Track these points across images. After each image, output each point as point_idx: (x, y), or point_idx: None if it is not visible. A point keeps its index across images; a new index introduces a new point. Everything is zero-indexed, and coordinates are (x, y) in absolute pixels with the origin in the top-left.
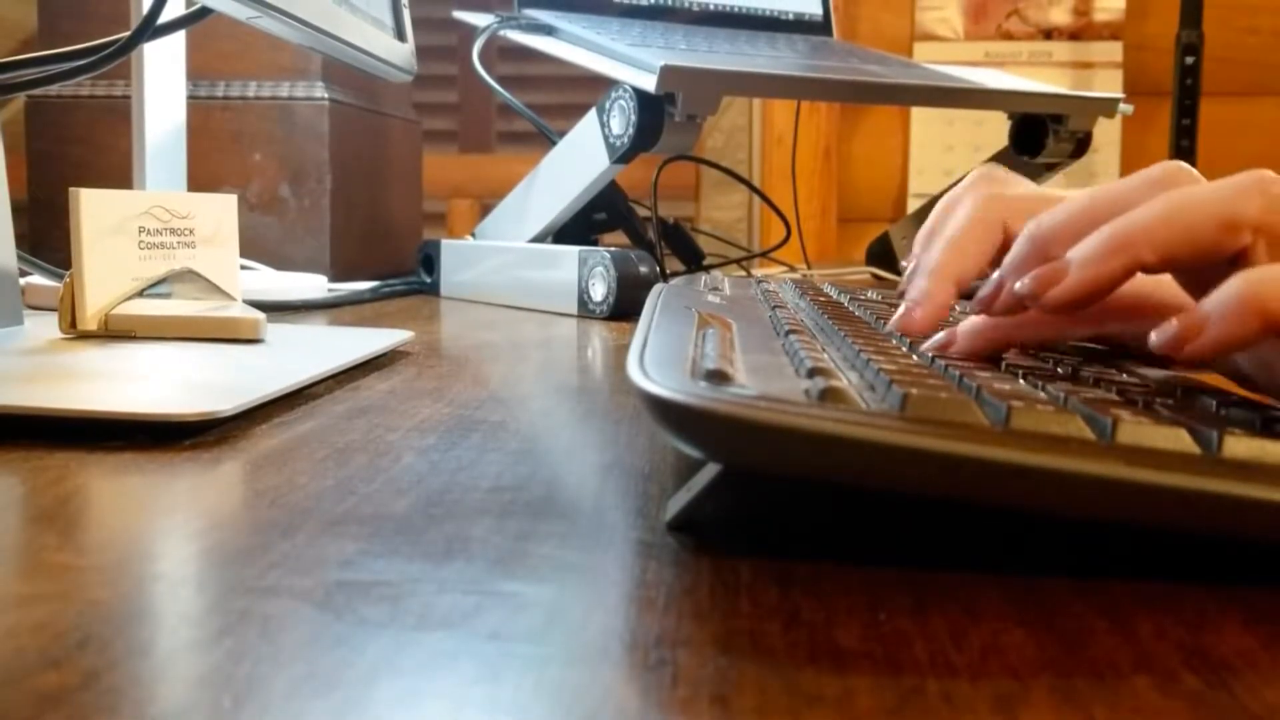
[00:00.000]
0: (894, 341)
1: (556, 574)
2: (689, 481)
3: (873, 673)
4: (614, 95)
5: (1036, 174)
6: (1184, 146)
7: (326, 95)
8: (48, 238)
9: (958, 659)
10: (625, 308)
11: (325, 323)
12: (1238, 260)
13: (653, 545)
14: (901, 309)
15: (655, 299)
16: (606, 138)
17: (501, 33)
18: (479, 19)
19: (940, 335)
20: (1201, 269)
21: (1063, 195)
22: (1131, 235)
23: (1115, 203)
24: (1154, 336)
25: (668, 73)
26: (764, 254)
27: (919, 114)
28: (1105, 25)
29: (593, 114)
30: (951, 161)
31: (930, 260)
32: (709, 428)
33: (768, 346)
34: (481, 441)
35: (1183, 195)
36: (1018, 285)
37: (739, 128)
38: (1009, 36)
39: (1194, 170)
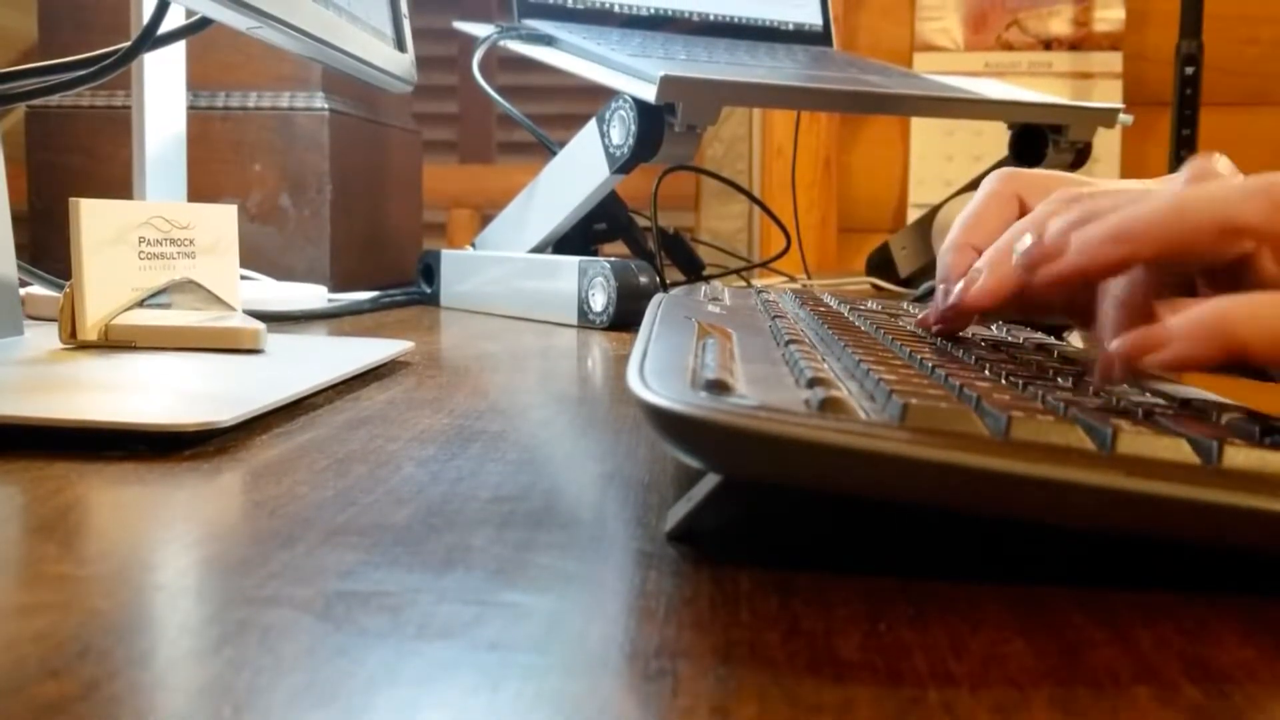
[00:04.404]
0: (894, 350)
1: (556, 584)
2: (689, 491)
3: (873, 683)
4: (614, 105)
5: None
6: (1184, 157)
7: (327, 105)
8: (48, 248)
9: (958, 669)
10: (625, 318)
11: (325, 333)
12: (1243, 266)
13: (653, 555)
14: (937, 293)
15: (655, 309)
16: (606, 148)
17: (502, 43)
18: (479, 29)
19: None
20: (1215, 270)
21: (1081, 179)
22: (1132, 230)
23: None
24: (1117, 343)
25: (667, 83)
26: (764, 264)
27: (919, 124)
28: (1105, 36)
29: (593, 124)
30: (952, 172)
31: (950, 236)
32: (709, 438)
33: (768, 356)
34: (481, 452)
35: (1189, 195)
36: (1014, 259)
37: (739, 138)
38: (1009, 47)
39: (1226, 162)
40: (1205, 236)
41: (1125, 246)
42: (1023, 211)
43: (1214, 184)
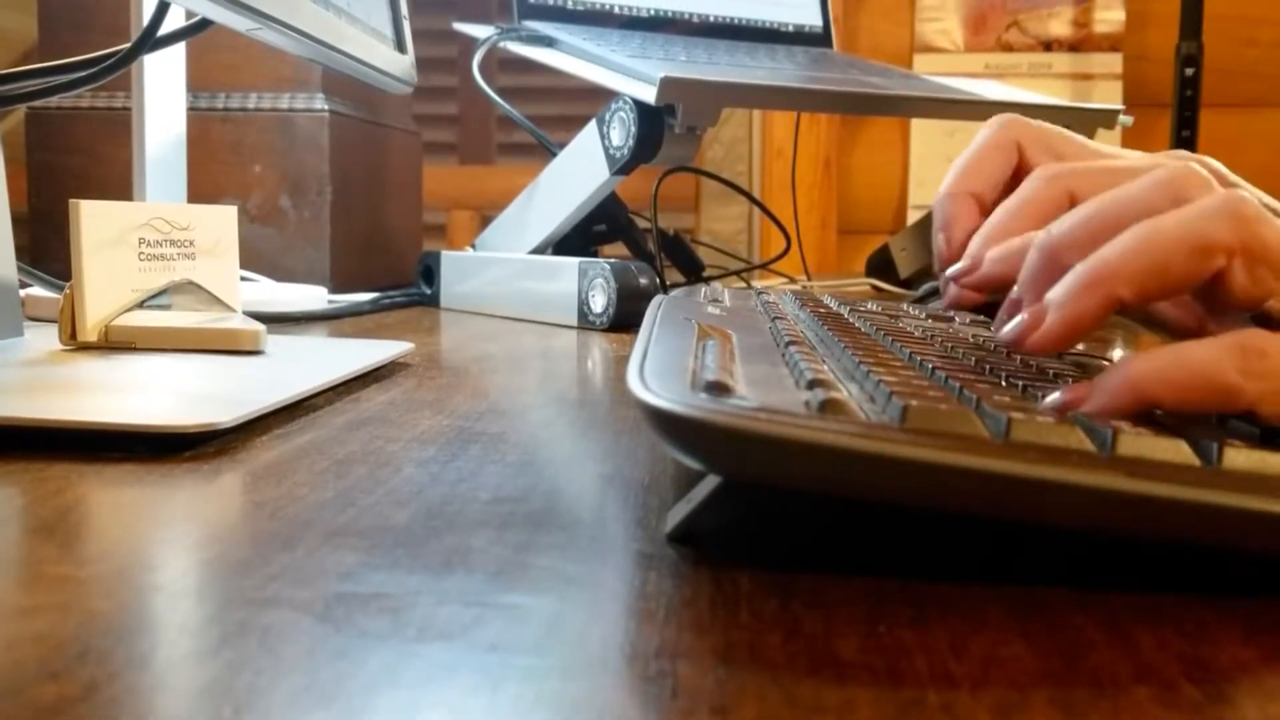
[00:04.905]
0: (894, 352)
1: (556, 585)
2: (689, 493)
3: (873, 684)
4: (614, 107)
5: None
6: None
7: (327, 107)
8: (48, 249)
9: (958, 670)
10: (625, 319)
11: (325, 334)
12: (1216, 282)
13: (653, 557)
14: (955, 267)
15: (655, 310)
16: (606, 149)
17: (502, 44)
18: (479, 31)
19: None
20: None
21: (1079, 138)
22: (1104, 273)
23: (1124, 211)
24: (1049, 399)
25: (667, 84)
26: (764, 265)
27: (919, 126)
28: (1105, 37)
29: (593, 125)
30: None
31: (947, 182)
32: (709, 439)
33: (768, 358)
34: (481, 453)
35: (1153, 227)
36: (1001, 333)
37: (739, 139)
38: (1009, 48)
39: (1202, 170)
40: (1179, 262)
41: (1102, 290)
42: (1021, 160)
43: (1178, 210)
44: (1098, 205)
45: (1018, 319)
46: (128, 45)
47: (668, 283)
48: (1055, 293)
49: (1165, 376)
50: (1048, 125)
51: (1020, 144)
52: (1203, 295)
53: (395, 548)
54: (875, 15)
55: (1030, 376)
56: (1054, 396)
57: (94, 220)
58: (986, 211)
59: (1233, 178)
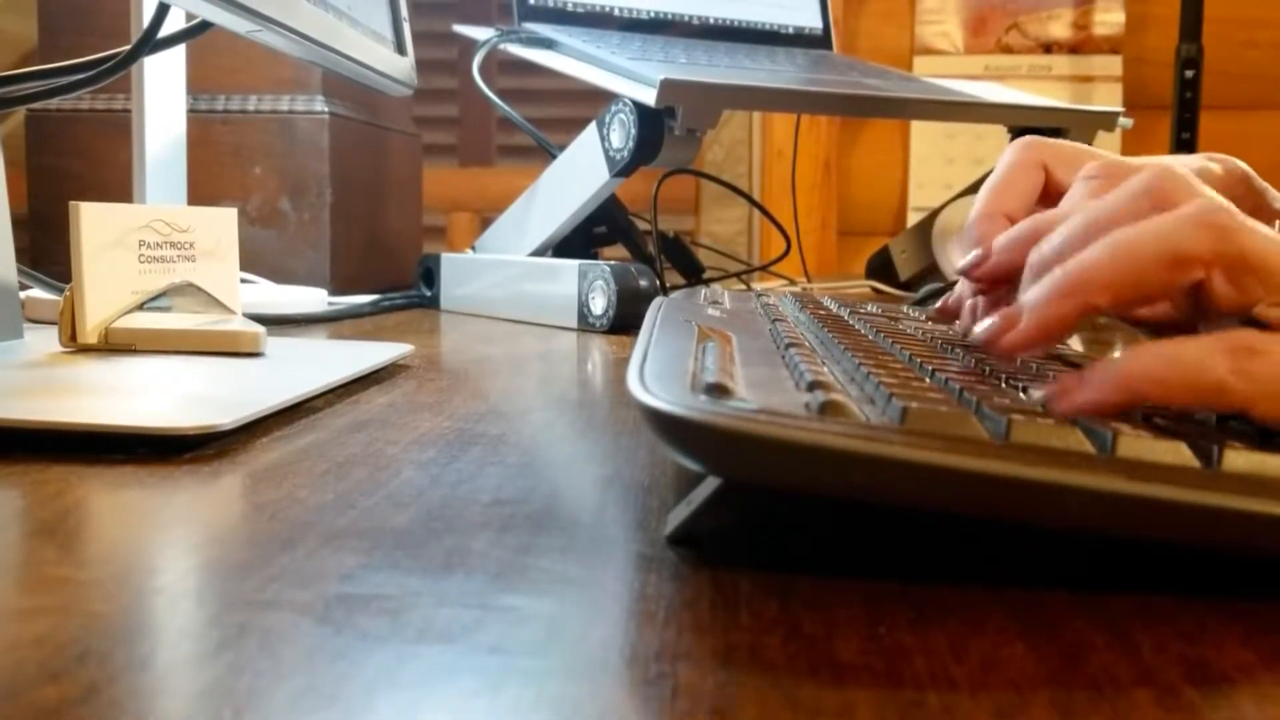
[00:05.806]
0: (894, 354)
1: (556, 587)
2: (689, 495)
3: (873, 686)
4: (614, 109)
5: None
6: None
7: (327, 109)
8: (48, 251)
9: (958, 672)
10: (625, 321)
11: (325, 336)
12: (1198, 292)
13: (653, 559)
14: (966, 259)
15: (655, 312)
16: (606, 151)
17: (502, 46)
18: (479, 33)
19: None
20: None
21: (1105, 154)
22: (1080, 281)
23: (1107, 222)
24: (1041, 393)
25: (667, 86)
26: (764, 267)
27: (919, 128)
28: (1105, 39)
29: (593, 127)
30: (952, 175)
31: (978, 205)
32: (709, 441)
33: (768, 360)
34: (481, 455)
35: (1128, 236)
36: (974, 331)
37: (739, 141)
38: (1009, 50)
39: (1185, 173)
40: (1154, 272)
41: (1077, 298)
42: (1049, 180)
43: (1154, 219)
44: (1084, 218)
45: (991, 319)
46: (128, 47)
47: (667, 285)
48: (1030, 296)
49: (1156, 374)
50: (1068, 142)
51: (1046, 164)
52: (1194, 299)
53: (395, 549)
54: (875, 17)
55: (1030, 378)
56: (1043, 390)
57: (94, 222)
58: None
59: (1258, 182)
